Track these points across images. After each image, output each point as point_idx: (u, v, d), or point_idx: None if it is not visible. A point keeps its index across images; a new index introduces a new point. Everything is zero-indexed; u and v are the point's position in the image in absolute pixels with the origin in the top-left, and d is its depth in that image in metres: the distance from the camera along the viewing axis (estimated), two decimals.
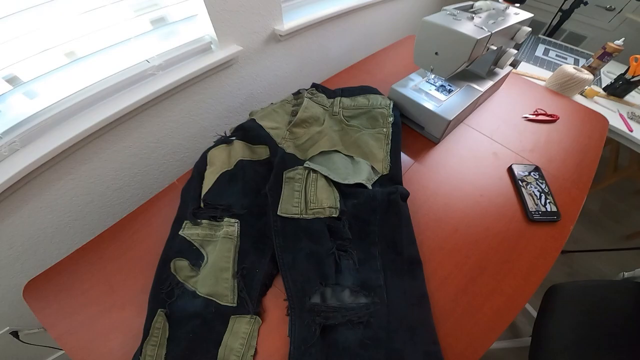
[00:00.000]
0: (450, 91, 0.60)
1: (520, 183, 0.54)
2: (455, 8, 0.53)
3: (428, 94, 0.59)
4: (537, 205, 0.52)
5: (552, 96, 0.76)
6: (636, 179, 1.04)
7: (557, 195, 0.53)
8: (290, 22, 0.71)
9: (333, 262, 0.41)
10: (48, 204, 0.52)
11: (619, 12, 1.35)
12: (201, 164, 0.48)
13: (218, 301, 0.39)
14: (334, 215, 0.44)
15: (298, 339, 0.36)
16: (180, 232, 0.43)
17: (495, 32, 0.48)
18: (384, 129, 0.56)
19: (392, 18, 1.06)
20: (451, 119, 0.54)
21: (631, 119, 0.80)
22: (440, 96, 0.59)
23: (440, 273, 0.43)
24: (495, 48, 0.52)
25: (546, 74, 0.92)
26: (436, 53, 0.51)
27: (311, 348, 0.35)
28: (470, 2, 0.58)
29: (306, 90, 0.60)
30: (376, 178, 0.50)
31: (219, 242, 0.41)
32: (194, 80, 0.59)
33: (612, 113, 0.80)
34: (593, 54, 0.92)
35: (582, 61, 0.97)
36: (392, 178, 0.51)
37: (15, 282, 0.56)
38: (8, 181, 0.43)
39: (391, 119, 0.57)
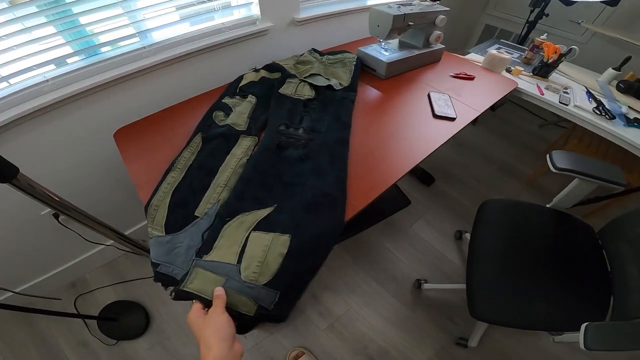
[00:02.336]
0: (393, 52, 1.06)
1: (432, 99, 0.96)
2: (395, 3, 1.02)
3: (379, 52, 1.06)
4: (440, 109, 0.92)
5: (481, 70, 1.19)
6: (576, 151, 1.35)
7: (458, 109, 0.93)
8: (304, 14, 1.25)
9: (299, 117, 0.82)
10: (152, 87, 1.03)
11: (588, 27, 1.74)
12: (239, 78, 0.95)
13: (236, 127, 0.76)
14: (310, 98, 0.89)
15: (262, 145, 0.71)
16: (222, 100, 0.86)
17: (409, 13, 0.95)
18: (349, 68, 1.03)
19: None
20: (388, 62, 0.99)
21: (547, 89, 1.18)
22: (387, 53, 1.05)
23: (369, 133, 0.83)
24: (412, 24, 0.98)
25: None
26: (378, 25, 0.99)
27: (267, 151, 0.70)
28: (410, 0, 1.06)
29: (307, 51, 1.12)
30: (342, 86, 0.95)
31: (244, 104, 0.84)
32: (244, 39, 1.12)
33: (532, 85, 1.19)
34: (527, 48, 1.34)
35: (523, 54, 1.38)
36: (351, 87, 0.97)
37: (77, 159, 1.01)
38: (144, 66, 0.92)
39: (354, 63, 1.05)
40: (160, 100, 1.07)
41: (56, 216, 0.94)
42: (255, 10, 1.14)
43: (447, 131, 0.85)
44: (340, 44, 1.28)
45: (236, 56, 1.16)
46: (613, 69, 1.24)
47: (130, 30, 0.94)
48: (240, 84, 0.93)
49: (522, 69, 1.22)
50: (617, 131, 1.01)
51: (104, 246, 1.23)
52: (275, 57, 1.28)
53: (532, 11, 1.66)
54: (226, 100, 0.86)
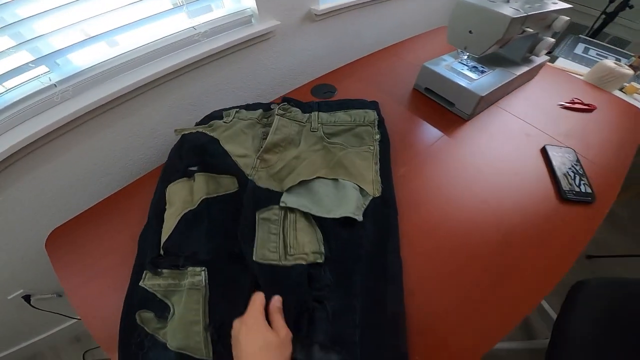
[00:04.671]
0: (483, 72, 0.67)
1: (554, 163, 0.59)
2: None
3: (460, 73, 0.66)
4: (571, 185, 0.56)
5: (590, 89, 0.82)
6: None
7: (592, 179, 0.57)
8: (326, 3, 0.81)
9: (306, 314, 0.38)
10: (87, 153, 0.61)
11: None
12: (159, 203, 0.47)
13: (192, 355, 0.36)
14: (318, 261, 0.41)
15: None
16: (140, 283, 0.40)
17: (531, 15, 0.55)
18: (371, 147, 0.56)
19: (426, 9, 1.16)
20: (483, 95, 0.60)
21: None
22: (473, 75, 0.66)
23: (468, 244, 0.47)
24: (531, 31, 0.58)
25: (585, 70, 0.97)
26: (470, 32, 0.59)
27: None
28: None
29: (277, 105, 0.59)
30: (367, 203, 0.47)
31: (185, 293, 0.39)
32: (233, 49, 0.69)
33: None
34: (635, 54, 0.97)
35: (623, 60, 1.02)
36: (385, 200, 0.49)
37: (39, 237, 0.64)
38: (55, 124, 0.51)
39: (378, 136, 0.57)
40: (103, 179, 0.67)
41: (27, 299, 0.76)
42: (248, 2, 0.69)
43: (584, 225, 0.50)
44: (377, 50, 0.86)
45: (221, 81, 0.73)
46: None
47: (25, 57, 0.51)
48: (164, 238, 0.42)
49: (638, 86, 0.86)
50: None
51: None
52: (282, 78, 0.86)
53: (611, 1, 1.28)
54: (148, 282, 0.40)
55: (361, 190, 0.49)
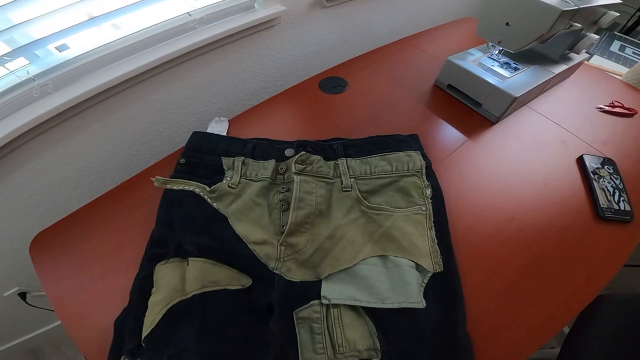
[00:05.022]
0: (516, 69, 0.60)
1: (592, 176, 0.53)
2: None
3: (490, 69, 0.59)
4: (609, 201, 0.50)
5: (630, 90, 0.74)
6: None
7: (630, 192, 0.51)
8: None
9: None
10: (74, 151, 0.56)
11: None
12: (144, 283, 0.38)
13: None
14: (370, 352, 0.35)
15: None
16: None
17: (583, 8, 0.47)
18: (423, 208, 0.43)
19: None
20: (517, 95, 0.54)
21: None
22: (505, 73, 0.58)
23: (489, 265, 0.42)
24: (579, 27, 0.51)
25: (622, 69, 0.90)
26: (507, 23, 0.51)
27: None
28: None
29: (293, 152, 0.46)
30: (426, 282, 0.38)
31: None
32: (233, 37, 0.62)
33: None
34: None
35: None
36: (449, 276, 0.39)
37: (30, 235, 0.61)
38: (34, 121, 0.47)
39: (429, 191, 0.44)
40: (93, 177, 0.61)
41: (22, 296, 0.75)
42: None
43: (622, 246, 0.45)
44: (392, 41, 0.78)
45: (220, 72, 0.66)
46: None
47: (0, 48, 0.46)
48: (146, 330, 0.34)
49: None
50: None
51: None
52: (288, 69, 0.79)
53: None
54: None
55: (417, 265, 0.39)
